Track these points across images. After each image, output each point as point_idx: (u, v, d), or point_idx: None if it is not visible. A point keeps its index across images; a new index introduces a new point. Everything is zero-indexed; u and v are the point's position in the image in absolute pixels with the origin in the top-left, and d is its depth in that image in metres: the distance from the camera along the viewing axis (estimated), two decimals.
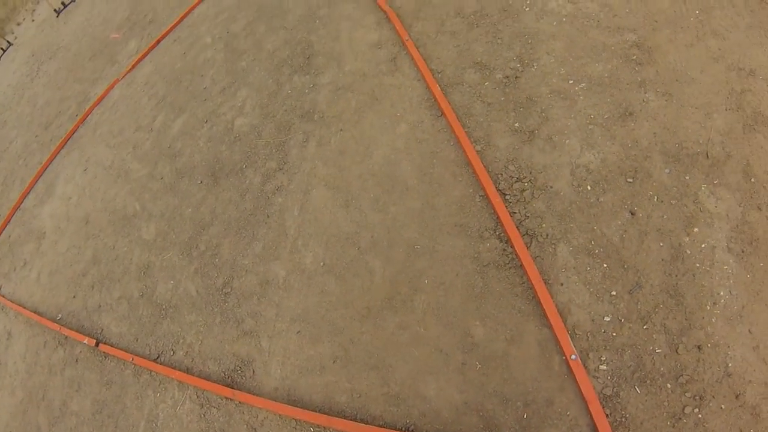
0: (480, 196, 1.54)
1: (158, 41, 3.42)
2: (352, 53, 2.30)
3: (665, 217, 1.40)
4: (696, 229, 1.37)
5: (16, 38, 5.67)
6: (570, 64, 1.67)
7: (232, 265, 1.88)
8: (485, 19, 1.96)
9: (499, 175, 1.55)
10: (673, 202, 1.42)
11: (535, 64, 1.71)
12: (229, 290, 1.82)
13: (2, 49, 5.49)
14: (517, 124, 1.62)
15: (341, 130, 1.99)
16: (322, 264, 1.65)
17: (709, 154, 1.44)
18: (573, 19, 1.78)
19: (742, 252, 1.32)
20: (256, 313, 1.70)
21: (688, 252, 1.34)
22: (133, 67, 3.39)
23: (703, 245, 1.34)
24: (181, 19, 3.49)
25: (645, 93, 1.56)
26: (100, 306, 2.22)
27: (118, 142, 2.89)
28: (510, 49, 1.79)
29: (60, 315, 2.33)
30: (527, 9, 1.89)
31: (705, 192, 1.40)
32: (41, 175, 3.21)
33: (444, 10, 2.14)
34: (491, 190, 1.53)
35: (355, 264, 1.59)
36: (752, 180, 1.40)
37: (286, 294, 1.67)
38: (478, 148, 1.63)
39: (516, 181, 1.54)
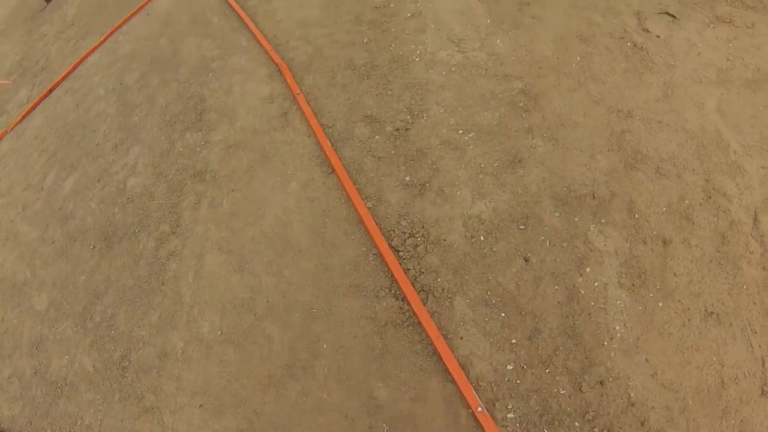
0: (373, 254, 3.24)
1: (50, 91, 5.98)
2: (244, 108, 4.39)
3: (558, 260, 3.20)
4: (588, 269, 3.17)
5: None
6: (459, 114, 3.72)
7: (128, 337, 3.39)
8: (376, 70, 4.12)
9: (392, 232, 3.34)
10: (565, 244, 3.26)
11: (424, 116, 3.75)
12: (127, 364, 3.26)
13: None
14: (408, 178, 3.54)
15: (233, 190, 3.84)
16: (219, 333, 3.18)
17: (595, 195, 3.39)
18: (462, 69, 3.92)
19: (633, 285, 3.12)
20: (156, 388, 3.14)
21: (582, 292, 3.10)
22: (23, 118, 5.82)
23: (595, 284, 3.12)
24: (74, 67, 6.18)
25: (532, 139, 3.60)
26: None
27: (7, 201, 4.84)
28: (400, 100, 3.86)
29: None
30: (417, 59, 4.08)
31: (594, 232, 3.28)
32: None
33: (335, 62, 4.34)
34: (384, 247, 3.27)
35: (253, 331, 3.13)
36: (636, 216, 3.32)
37: (185, 366, 3.13)
38: (370, 204, 3.45)
39: (409, 237, 3.34)
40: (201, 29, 5.80)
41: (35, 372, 3.62)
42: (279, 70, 4.55)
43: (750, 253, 3.10)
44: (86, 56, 6.43)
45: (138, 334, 3.44)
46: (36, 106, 6.06)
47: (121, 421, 3.16)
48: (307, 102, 4.14)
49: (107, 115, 5.18)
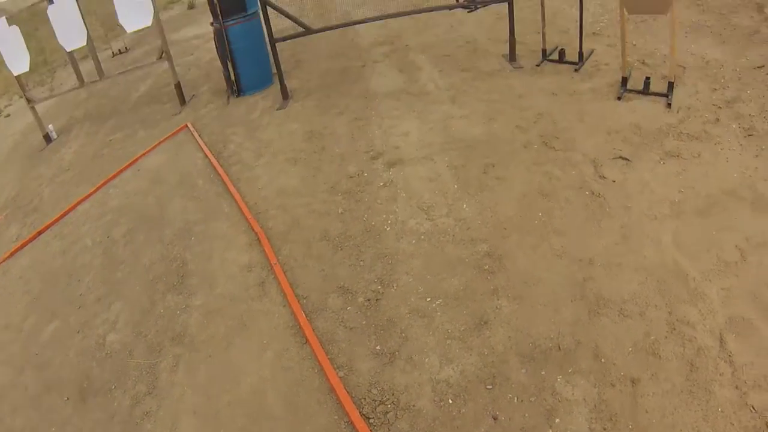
0: (345, 422, 3.72)
1: (39, 233, 7.08)
2: (224, 275, 5.12)
3: (527, 415, 3.69)
4: (557, 420, 3.63)
5: None
6: (428, 282, 4.40)
7: None
8: (349, 241, 4.89)
9: (363, 400, 3.88)
10: (533, 399, 3.76)
11: (395, 285, 4.44)
12: None
13: None
14: (378, 347, 4.16)
15: (210, 356, 4.41)
16: None
17: (560, 346, 3.94)
18: (431, 236, 4.64)
19: (604, 429, 3.56)
20: None
21: None
22: (11, 255, 6.84)
23: None
24: (65, 214, 7.34)
25: (498, 300, 4.23)
26: None
27: None
28: (371, 271, 4.56)
29: None
30: (388, 229, 4.85)
31: (561, 383, 3.78)
32: None
33: (311, 233, 5.14)
34: (355, 415, 3.79)
35: None
36: (602, 360, 3.82)
37: None
38: (341, 374, 4.04)
39: (379, 404, 3.87)
40: (187, 191, 6.80)
41: None
42: (258, 239, 5.37)
43: (720, 375, 3.53)
44: (77, 204, 7.60)
45: None
46: (24, 246, 7.12)
47: None
48: (284, 272, 4.90)
49: (92, 267, 6.06)
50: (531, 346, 3.90)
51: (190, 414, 4.16)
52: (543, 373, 3.76)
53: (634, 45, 7.43)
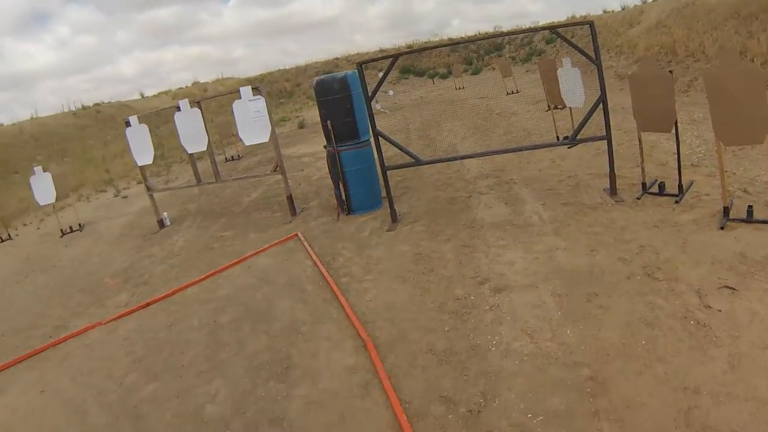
0: None
1: (148, 304, 7.64)
2: (328, 372, 5.23)
3: None
4: None
5: (17, 235, 13.69)
6: (530, 399, 4.37)
7: None
8: (454, 356, 4.99)
9: None
10: None
11: (497, 400, 4.44)
12: None
13: (1, 238, 13.83)
14: None
15: None
16: None
17: None
18: (533, 358, 4.67)
19: None
20: None
21: None
22: (119, 317, 7.39)
23: None
24: (174, 292, 7.92)
25: (599, 422, 4.11)
26: None
27: (85, 381, 5.90)
28: (475, 385, 4.60)
29: None
30: (493, 348, 4.90)
31: None
32: None
33: (418, 345, 5.29)
34: None
35: None
36: None
37: None
38: None
39: None
40: (295, 294, 7.11)
41: None
42: (365, 345, 5.52)
43: None
44: (187, 286, 8.19)
45: None
46: (133, 312, 7.68)
47: None
48: (388, 378, 4.98)
49: (197, 344, 6.36)
50: None
51: None
52: None
53: (734, 174, 7.38)
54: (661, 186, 6.89)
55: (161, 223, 12.18)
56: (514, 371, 4.64)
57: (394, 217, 8.99)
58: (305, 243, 8.97)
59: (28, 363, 6.93)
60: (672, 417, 3.95)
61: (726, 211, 5.97)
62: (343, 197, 10.02)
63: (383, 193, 9.64)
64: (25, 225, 15.41)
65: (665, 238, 5.83)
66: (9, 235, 14.04)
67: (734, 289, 4.86)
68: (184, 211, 13.10)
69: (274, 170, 10.80)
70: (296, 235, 9.54)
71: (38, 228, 14.67)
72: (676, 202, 6.58)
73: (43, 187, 13.09)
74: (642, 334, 4.65)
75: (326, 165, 10.40)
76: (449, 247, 7.35)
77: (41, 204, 13.39)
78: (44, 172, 13.14)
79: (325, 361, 5.49)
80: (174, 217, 12.68)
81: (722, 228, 5.87)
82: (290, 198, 10.86)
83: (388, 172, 8.74)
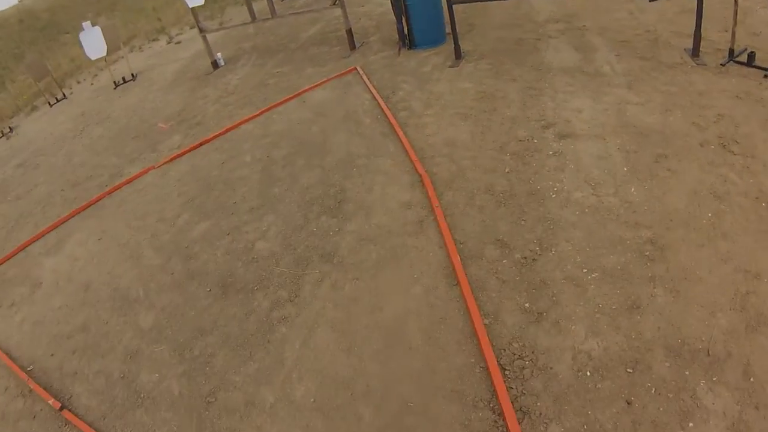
0: (480, 367, 3.50)
1: (201, 144, 7.40)
2: (382, 207, 5.00)
3: (661, 409, 3.27)
4: (691, 424, 3.21)
5: (72, 93, 13.22)
6: (586, 254, 3.99)
7: (221, 378, 3.90)
8: (513, 199, 4.56)
9: (503, 351, 3.61)
10: (671, 395, 3.33)
11: (553, 249, 4.08)
12: (213, 400, 3.76)
13: (56, 98, 13.21)
14: (527, 305, 3.84)
15: (357, 278, 4.35)
16: (312, 400, 3.55)
17: (710, 352, 3.45)
18: (594, 211, 4.24)
19: None
20: (234, 430, 3.55)
21: None
22: (171, 160, 7.25)
23: None
24: (228, 130, 7.60)
25: (654, 288, 3.77)
26: (76, 373, 4.36)
27: (139, 225, 5.98)
28: (532, 231, 4.23)
29: (32, 367, 4.55)
30: (553, 196, 4.46)
31: (703, 388, 3.32)
32: (56, 227, 6.61)
33: (476, 184, 4.85)
34: (492, 363, 3.53)
35: (345, 408, 3.46)
36: (751, 380, 3.32)
37: (269, 420, 3.53)
38: (487, 321, 3.78)
39: (517, 359, 3.58)
40: (352, 127, 6.72)
41: (123, 377, 4.24)
42: (421, 180, 5.13)
43: None
44: (241, 123, 7.83)
45: (231, 378, 3.93)
46: (185, 154, 7.46)
47: None
48: (444, 216, 4.65)
49: (249, 180, 6.18)
50: (679, 343, 3.45)
51: (327, 327, 4.09)
52: (687, 372, 3.32)
53: None
54: (751, 56, 5.94)
55: (215, 64, 11.40)
56: (573, 222, 4.26)
57: (458, 54, 8.17)
58: (364, 76, 8.34)
59: (86, 213, 6.87)
60: (728, 298, 3.59)
61: None
62: (406, 31, 9.11)
63: (447, 29, 8.70)
64: (78, 82, 14.59)
65: (747, 111, 5.10)
66: (64, 94, 13.26)
67: None
68: (238, 51, 12.24)
69: (333, 4, 9.77)
70: (355, 68, 8.84)
71: (92, 84, 13.91)
72: (765, 76, 5.68)
73: (93, 41, 12.07)
74: (709, 206, 4.17)
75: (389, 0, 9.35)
76: (514, 88, 6.68)
77: (92, 59, 12.46)
78: (93, 26, 12.10)
79: (380, 195, 5.19)
80: (228, 57, 11.87)
81: None
82: (350, 32, 9.93)
83: (453, 8, 7.76)
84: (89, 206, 6.96)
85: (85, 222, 6.64)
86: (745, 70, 5.81)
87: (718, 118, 5.09)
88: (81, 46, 12.36)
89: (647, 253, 3.92)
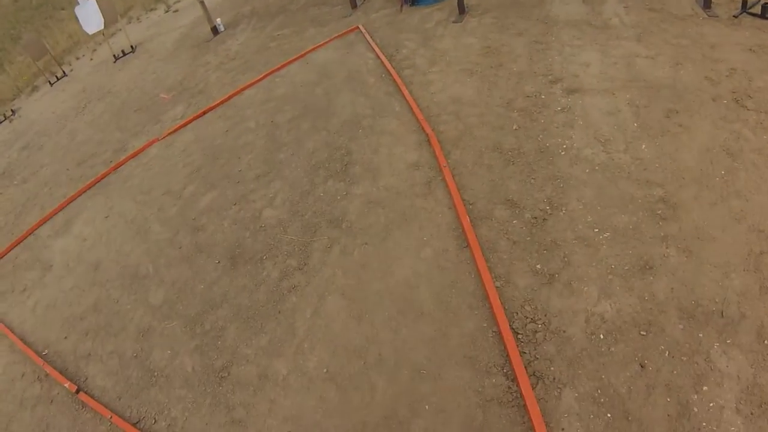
0: (493, 331, 3.26)
1: (204, 112, 6.87)
2: (390, 169, 4.65)
3: (675, 372, 3.02)
4: (705, 388, 2.95)
5: (72, 70, 12.30)
6: (597, 213, 3.65)
7: (233, 351, 3.70)
8: (522, 157, 4.19)
9: (515, 314, 3.34)
10: (684, 358, 3.06)
11: (563, 209, 3.74)
12: (226, 375, 3.57)
13: (56, 77, 12.22)
14: (539, 266, 3.52)
15: (366, 243, 4.06)
16: (325, 370, 3.34)
17: (724, 314, 3.17)
18: (605, 169, 3.87)
19: (751, 414, 2.85)
20: (248, 404, 3.37)
21: (696, 410, 2.89)
22: (175, 131, 6.77)
23: (711, 404, 2.89)
24: (230, 97, 7.03)
25: (666, 248, 3.45)
26: (89, 354, 4.18)
27: (145, 199, 5.65)
28: (541, 190, 3.88)
29: (46, 351, 4.38)
30: (563, 153, 4.08)
31: (717, 351, 3.05)
32: (63, 208, 6.29)
33: (484, 143, 4.47)
34: (505, 327, 3.28)
35: (359, 377, 3.25)
36: (766, 342, 3.04)
37: (283, 392, 3.34)
38: (498, 284, 3.49)
39: (530, 322, 3.32)
40: (357, 87, 6.25)
41: (136, 356, 4.05)
42: (428, 140, 4.75)
43: None
44: (243, 89, 7.26)
45: (243, 351, 3.73)
46: (189, 123, 6.98)
47: (206, 424, 3.43)
48: (452, 176, 4.30)
49: (254, 147, 5.79)
50: (693, 304, 3.16)
51: (338, 294, 3.84)
52: (700, 335, 3.05)
53: None
54: (765, 7, 5.38)
55: (215, 30, 10.57)
56: (583, 180, 3.92)
57: (462, 8, 7.57)
58: (366, 35, 7.74)
59: (92, 191, 6.49)
60: (742, 258, 3.30)
61: None
62: None
63: None
64: (77, 59, 13.50)
65: (762, 65, 4.63)
66: (64, 72, 12.36)
67: None
68: (238, 15, 11.34)
69: None
70: (357, 27, 8.21)
71: (91, 59, 12.86)
72: None
73: (89, 15, 11.12)
74: (722, 164, 3.80)
75: None
76: (520, 42, 6.17)
77: (90, 33, 11.53)
78: (88, 0, 11.13)
79: (387, 157, 4.84)
80: (228, 22, 11.02)
81: None
82: None
83: None
84: (95, 184, 6.62)
85: (92, 200, 6.32)
86: (759, 22, 5.27)
87: (730, 72, 4.64)
88: (78, 21, 11.60)
89: (659, 212, 3.59)
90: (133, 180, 6.30)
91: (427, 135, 4.82)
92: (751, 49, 4.82)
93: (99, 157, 7.34)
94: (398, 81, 6.01)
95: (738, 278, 3.21)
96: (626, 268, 3.37)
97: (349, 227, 4.27)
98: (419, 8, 8.31)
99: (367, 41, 7.51)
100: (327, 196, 4.65)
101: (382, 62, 6.69)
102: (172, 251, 4.85)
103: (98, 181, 6.62)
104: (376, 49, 7.07)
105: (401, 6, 8.54)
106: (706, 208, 3.55)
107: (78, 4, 11.36)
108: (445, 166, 4.37)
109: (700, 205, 3.57)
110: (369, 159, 4.90)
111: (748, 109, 4.18)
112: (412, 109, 5.36)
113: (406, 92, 5.71)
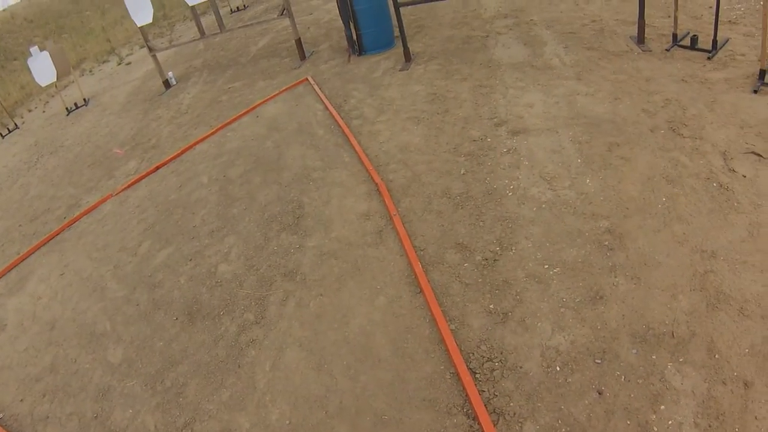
0: (451, 373, 3.61)
1: (157, 168, 7.36)
2: (341, 220, 5.08)
3: (632, 395, 3.42)
4: (663, 407, 3.36)
5: (23, 123, 12.96)
6: (546, 249, 4.15)
7: (195, 408, 3.91)
8: (470, 201, 4.69)
9: (471, 354, 3.72)
10: (640, 381, 3.48)
11: (513, 248, 4.22)
12: None
13: (8, 129, 12.85)
14: (492, 306, 3.97)
15: (321, 294, 4.40)
16: (287, 422, 3.59)
17: (674, 334, 3.63)
18: (552, 206, 4.40)
19: (709, 427, 3.25)
20: None
21: (656, 429, 3.27)
22: (129, 186, 7.19)
23: (670, 422, 3.29)
24: (183, 152, 7.58)
25: (615, 277, 3.94)
26: (48, 417, 4.29)
27: (101, 256, 5.91)
28: (491, 232, 4.37)
29: (2, 415, 4.47)
30: (510, 194, 4.61)
31: (671, 370, 3.48)
32: (16, 266, 6.49)
33: (432, 189, 4.97)
34: (462, 368, 3.63)
35: (321, 427, 3.50)
36: (716, 356, 3.49)
37: None
38: (453, 327, 3.89)
39: (487, 361, 3.70)
40: (306, 139, 6.81)
41: (96, 417, 4.21)
42: (378, 189, 5.23)
43: None
44: (195, 144, 7.86)
45: (206, 407, 3.95)
46: (142, 179, 7.47)
47: None
48: (403, 224, 4.75)
49: (207, 202, 6.21)
50: (644, 328, 3.61)
51: (296, 346, 4.15)
52: (654, 357, 3.48)
53: None
54: (694, 39, 6.23)
55: (167, 84, 11.39)
56: (531, 218, 4.41)
57: (408, 56, 8.33)
58: (315, 86, 8.44)
59: (46, 248, 6.80)
60: (688, 279, 3.77)
61: (762, 74, 5.39)
62: (354, 37, 9.25)
63: (396, 32, 8.89)
64: (30, 111, 14.36)
65: (693, 94, 5.34)
66: (15, 124, 13.06)
67: (761, 156, 4.50)
68: (189, 69, 12.23)
69: (281, 14, 9.90)
70: (306, 79, 8.95)
71: (43, 111, 13.74)
72: (709, 58, 5.96)
73: (42, 67, 11.87)
74: (663, 191, 4.36)
75: (336, 6, 9.49)
76: (465, 87, 6.84)
77: (42, 85, 12.26)
78: (41, 51, 11.91)
79: (338, 208, 5.29)
80: (180, 75, 11.87)
81: (755, 92, 5.33)
82: (299, 42, 10.05)
83: (401, 10, 7.93)
84: (49, 240, 6.89)
85: (46, 257, 6.57)
86: (689, 53, 6.08)
87: (665, 102, 5.32)
88: (30, 73, 12.21)
89: (606, 243, 4.08)
90: (88, 237, 6.58)
91: (376, 184, 5.30)
92: (683, 80, 5.55)
93: (53, 213, 7.65)
94: (347, 132, 6.55)
95: (685, 299, 3.69)
96: (577, 300, 3.82)
97: (303, 279, 4.62)
98: (366, 57, 9.08)
99: (316, 92, 8.13)
100: (281, 250, 5.02)
101: (330, 113, 7.26)
102: (129, 308, 5.08)
103: (52, 238, 6.89)
104: (325, 101, 7.68)
105: (349, 56, 9.30)
106: (651, 234, 4.06)
107: (31, 55, 11.96)
108: (395, 215, 4.82)
109: (644, 232, 4.09)
110: (320, 211, 5.32)
111: (683, 137, 4.82)
112: (361, 159, 5.86)
113: (355, 143, 6.23)
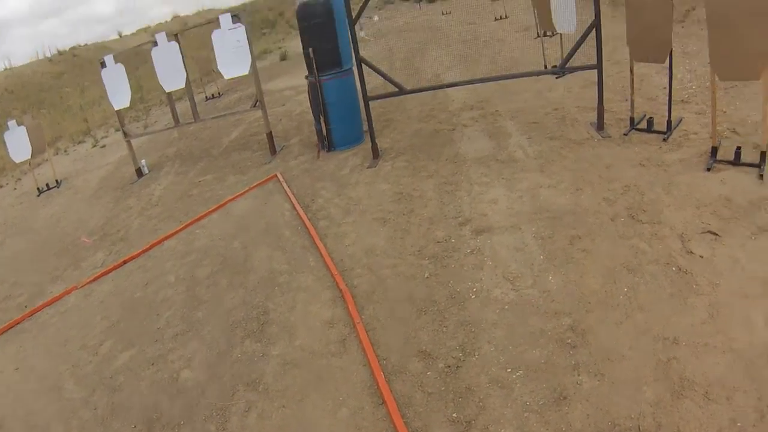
0: None
1: (124, 262, 7.53)
2: (305, 328, 5.23)
3: None
4: None
5: None
6: (509, 352, 4.33)
7: None
8: (433, 306, 4.89)
9: None
10: None
11: (476, 353, 4.39)
12: None
13: None
14: (455, 415, 4.07)
15: (284, 406, 4.45)
16: None
17: (641, 428, 3.71)
18: (515, 307, 4.60)
19: None
20: None
21: None
22: (95, 279, 7.29)
23: None
24: (151, 247, 7.79)
25: (578, 375, 4.09)
26: None
27: (60, 353, 5.90)
28: (454, 338, 4.55)
29: None
30: (473, 297, 4.83)
31: None
32: None
33: (396, 294, 5.19)
34: None
35: None
36: None
37: None
38: None
39: None
40: (273, 240, 7.05)
41: None
42: (342, 296, 5.45)
43: None
44: (163, 240, 8.12)
45: None
46: (109, 272, 7.60)
47: None
48: (366, 332, 4.93)
49: (173, 303, 6.34)
50: (610, 425, 3.72)
51: None
52: None
53: (724, 112, 7.17)
54: (650, 122, 6.69)
55: (139, 172, 11.92)
56: (494, 321, 4.59)
57: (376, 153, 8.80)
58: (284, 184, 8.85)
59: (4, 337, 6.90)
60: (651, 369, 3.94)
61: (714, 151, 5.79)
62: (324, 132, 9.77)
63: (365, 127, 9.40)
64: (1, 186, 15.03)
65: (651, 178, 5.70)
66: None
67: (717, 234, 4.79)
68: (162, 157, 12.84)
69: (254, 106, 10.53)
70: (275, 175, 9.40)
71: (15, 188, 14.37)
72: (664, 140, 6.41)
73: (18, 142, 12.55)
74: (624, 281, 4.60)
75: (308, 98, 10.10)
76: (431, 185, 7.21)
77: (17, 161, 12.92)
78: (18, 125, 12.58)
79: (302, 315, 5.45)
80: (152, 164, 12.43)
81: (709, 170, 5.71)
82: (270, 136, 10.65)
83: (370, 104, 8.46)
84: (8, 329, 6.94)
85: (3, 348, 6.58)
86: (646, 136, 6.51)
87: (625, 189, 5.66)
88: (5, 146, 12.70)
89: (569, 341, 4.26)
90: (49, 329, 6.63)
91: (341, 291, 5.52)
92: (641, 164, 5.93)
93: (14, 300, 7.72)
94: (313, 233, 6.82)
95: (650, 390, 3.83)
96: (541, 402, 3.95)
97: (265, 390, 4.70)
98: (336, 153, 9.58)
99: (285, 191, 8.52)
100: (244, 357, 5.11)
101: (298, 213, 7.59)
102: (86, 412, 5.04)
103: (11, 327, 6.93)
104: (293, 199, 8.03)
105: (318, 152, 9.79)
106: (613, 328, 4.26)
107: (8, 129, 12.47)
108: (358, 323, 5.00)
109: (606, 326, 4.28)
110: (285, 318, 5.46)
111: (642, 223, 5.11)
112: (326, 263, 6.11)
113: (321, 246, 6.49)
